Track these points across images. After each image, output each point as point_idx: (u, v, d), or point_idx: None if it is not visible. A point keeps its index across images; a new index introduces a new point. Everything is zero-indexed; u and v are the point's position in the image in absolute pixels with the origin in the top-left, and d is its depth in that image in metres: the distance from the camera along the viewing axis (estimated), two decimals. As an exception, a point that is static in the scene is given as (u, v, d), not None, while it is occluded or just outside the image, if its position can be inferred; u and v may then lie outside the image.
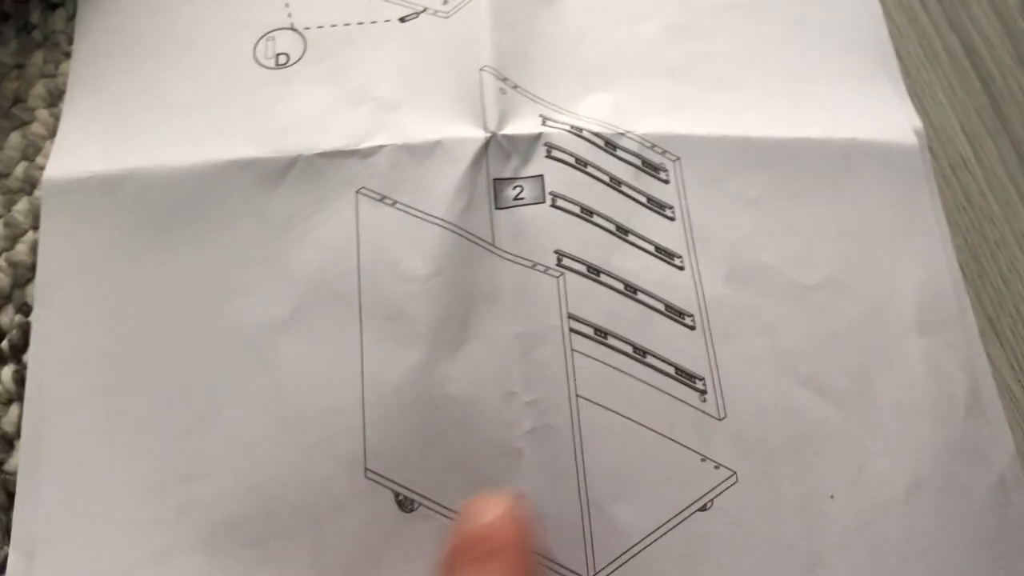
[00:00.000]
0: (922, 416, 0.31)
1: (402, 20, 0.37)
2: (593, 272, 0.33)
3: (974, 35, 0.38)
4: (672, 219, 0.34)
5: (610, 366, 0.31)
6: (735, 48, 0.38)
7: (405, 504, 0.30)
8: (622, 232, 0.33)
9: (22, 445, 0.30)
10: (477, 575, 0.25)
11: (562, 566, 0.29)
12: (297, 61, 0.36)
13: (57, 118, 0.35)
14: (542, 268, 0.32)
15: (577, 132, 0.35)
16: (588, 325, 0.32)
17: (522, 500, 0.27)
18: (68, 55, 0.37)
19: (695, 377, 0.31)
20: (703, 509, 0.30)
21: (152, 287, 0.32)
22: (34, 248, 0.33)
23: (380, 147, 0.34)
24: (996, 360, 0.33)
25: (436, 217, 0.33)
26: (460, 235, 0.33)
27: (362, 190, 0.33)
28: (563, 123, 0.35)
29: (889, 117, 0.36)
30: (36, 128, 0.36)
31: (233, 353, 0.31)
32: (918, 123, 0.36)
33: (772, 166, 0.35)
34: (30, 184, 0.35)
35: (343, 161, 0.34)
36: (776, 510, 0.30)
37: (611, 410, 0.31)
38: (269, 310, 0.32)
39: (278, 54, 0.36)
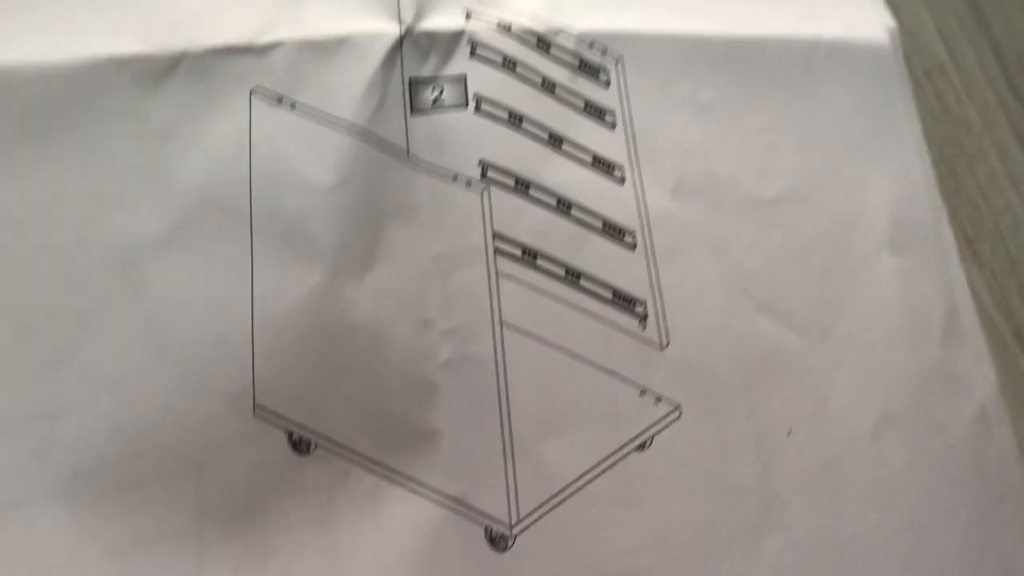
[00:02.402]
0: (893, 343, 0.28)
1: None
2: (522, 186, 0.29)
3: (954, -72, 0.34)
4: (612, 126, 0.30)
5: (539, 291, 0.28)
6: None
7: (300, 445, 0.26)
8: (555, 141, 0.29)
9: None
10: None
11: (481, 513, 0.25)
12: (190, -50, 0.32)
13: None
14: (464, 181, 0.28)
15: (506, 28, 0.30)
16: (515, 245, 0.28)
17: None
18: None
19: (634, 301, 0.28)
20: (641, 448, 0.26)
21: (12, 199, 0.28)
22: None
23: (278, 43, 0.30)
24: (974, 283, 0.29)
25: (342, 121, 0.29)
26: (369, 142, 0.28)
27: (256, 90, 0.29)
28: (490, 17, 0.31)
29: (859, 14, 0.33)
30: None
31: (103, 274, 0.27)
32: (891, 21, 0.33)
33: (727, 67, 0.31)
34: None
35: (235, 58, 0.29)
36: (725, 449, 0.26)
37: (539, 339, 0.27)
38: (146, 226, 0.28)
39: (168, -59, 0.32)
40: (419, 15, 0.30)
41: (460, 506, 0.25)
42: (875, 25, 0.32)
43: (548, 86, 0.30)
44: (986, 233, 0.30)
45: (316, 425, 0.26)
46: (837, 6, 0.33)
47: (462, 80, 0.30)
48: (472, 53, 0.30)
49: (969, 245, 0.30)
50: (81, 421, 0.26)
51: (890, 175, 0.30)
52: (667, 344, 0.27)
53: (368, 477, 0.26)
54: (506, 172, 0.29)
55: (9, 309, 0.27)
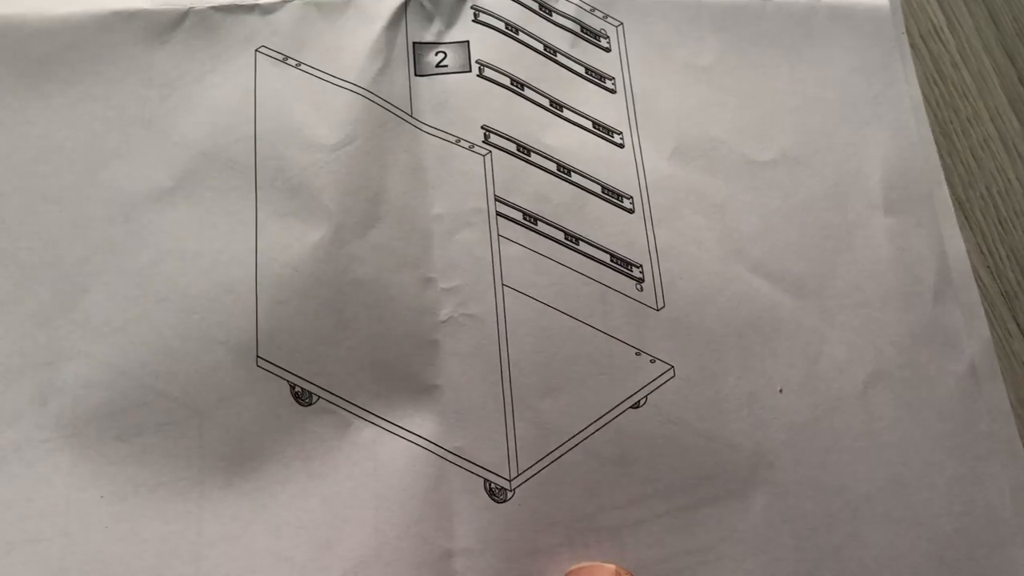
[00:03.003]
0: (886, 301, 0.28)
1: None
2: (523, 151, 0.29)
3: None
4: (613, 91, 0.31)
5: (539, 253, 0.28)
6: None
7: (302, 397, 0.26)
8: (556, 107, 0.30)
9: None
10: None
11: (481, 467, 0.26)
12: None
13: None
14: (467, 144, 0.29)
15: (509, -6, 0.31)
16: (516, 209, 0.28)
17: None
18: None
19: (632, 264, 0.28)
20: (636, 406, 0.27)
21: (16, 147, 0.28)
22: None
23: (284, 2, 0.30)
24: (965, 245, 0.30)
25: (347, 81, 0.29)
26: (374, 101, 0.29)
27: (262, 49, 0.29)
28: (494, -17, 0.31)
29: None
30: None
31: (104, 224, 0.27)
32: None
33: (727, 31, 0.31)
34: None
35: (242, 16, 0.30)
36: (717, 407, 0.27)
37: (539, 300, 0.28)
38: (151, 177, 0.28)
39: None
40: (424, -21, 0.31)
41: (460, 458, 0.26)
42: (874, -12, 0.33)
43: (550, 51, 0.31)
44: (978, 196, 0.31)
45: (318, 377, 0.26)
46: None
47: (465, 45, 0.30)
48: (475, 18, 0.30)
49: (961, 208, 0.31)
50: (81, 368, 0.26)
51: (887, 137, 0.31)
52: (663, 305, 0.28)
53: (369, 429, 0.26)
54: (508, 137, 0.29)
55: (10, 256, 0.27)
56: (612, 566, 0.25)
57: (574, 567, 0.25)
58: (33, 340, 0.26)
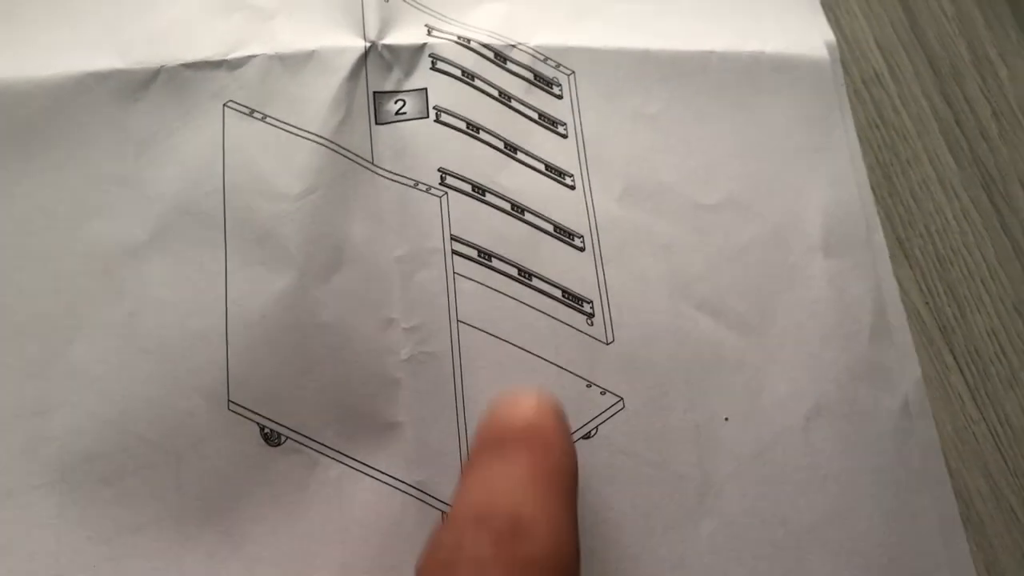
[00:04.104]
0: (825, 339, 0.30)
1: (281, -76, 0.34)
2: (479, 191, 0.30)
3: (891, -56, 0.36)
4: (564, 136, 0.32)
5: (494, 289, 0.30)
6: (641, -44, 0.36)
7: (272, 438, 0.28)
8: (510, 150, 0.31)
9: None
10: (501, 465, 0.22)
11: (440, 500, 0.27)
12: (166, -32, 0.34)
13: (-96, 31, 0.32)
14: (424, 187, 0.30)
15: (465, 43, 0.32)
16: (472, 247, 0.30)
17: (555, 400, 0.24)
18: (-82, -37, 0.34)
19: (583, 300, 0.30)
20: (587, 437, 0.28)
21: (1, 208, 0.30)
22: None
23: (250, 57, 0.31)
24: (904, 282, 0.31)
25: (310, 132, 0.30)
26: (336, 151, 0.30)
27: (229, 103, 0.31)
28: (450, 33, 0.32)
29: (800, 30, 0.34)
30: None
31: (87, 278, 0.29)
32: (830, 36, 0.34)
33: (673, 81, 0.33)
34: None
35: (210, 73, 0.31)
36: (665, 437, 0.28)
37: (493, 335, 0.29)
38: (127, 232, 0.30)
39: (145, -40, 0.34)
40: (383, 31, 0.32)
41: (420, 492, 0.27)
42: (815, 40, 0.34)
43: (504, 97, 0.32)
44: (917, 235, 0.32)
45: (286, 419, 0.28)
46: (781, 21, 0.34)
47: (423, 93, 0.31)
48: (433, 66, 0.32)
49: (901, 246, 0.32)
50: (68, 417, 0.28)
51: (826, 183, 0.32)
52: (612, 340, 0.29)
53: (335, 467, 0.28)
54: (464, 179, 0.30)
55: (0, 313, 0.29)
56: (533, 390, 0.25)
57: (496, 396, 0.25)
58: (23, 392, 0.28)
